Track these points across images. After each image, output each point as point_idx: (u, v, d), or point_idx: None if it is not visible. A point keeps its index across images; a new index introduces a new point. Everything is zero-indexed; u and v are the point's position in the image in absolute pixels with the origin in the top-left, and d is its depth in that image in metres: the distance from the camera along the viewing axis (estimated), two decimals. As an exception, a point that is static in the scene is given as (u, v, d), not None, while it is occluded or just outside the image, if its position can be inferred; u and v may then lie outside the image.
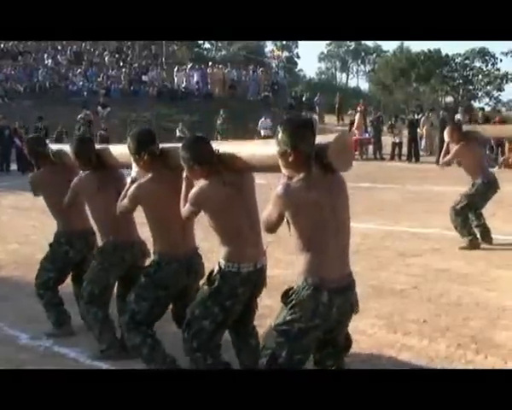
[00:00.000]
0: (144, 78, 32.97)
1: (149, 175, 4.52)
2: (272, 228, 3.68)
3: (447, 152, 9.03)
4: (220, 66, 36.03)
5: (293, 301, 3.53)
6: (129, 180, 4.73)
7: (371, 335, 5.54)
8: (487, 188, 8.66)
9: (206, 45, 65.00)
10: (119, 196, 4.76)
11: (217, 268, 4.15)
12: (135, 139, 4.56)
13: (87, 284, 5.24)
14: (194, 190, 4.07)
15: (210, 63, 36.62)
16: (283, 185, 3.50)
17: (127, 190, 4.65)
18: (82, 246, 5.78)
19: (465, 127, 9.71)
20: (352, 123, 26.09)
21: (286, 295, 3.60)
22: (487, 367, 4.81)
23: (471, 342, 5.34)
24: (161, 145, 4.62)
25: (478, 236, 8.67)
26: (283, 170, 3.59)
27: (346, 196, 3.65)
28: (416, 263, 7.90)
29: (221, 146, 4.19)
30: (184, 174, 4.22)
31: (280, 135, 3.53)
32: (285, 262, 7.14)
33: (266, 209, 3.63)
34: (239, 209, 4.07)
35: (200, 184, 4.08)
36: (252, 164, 4.00)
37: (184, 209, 4.18)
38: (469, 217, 8.68)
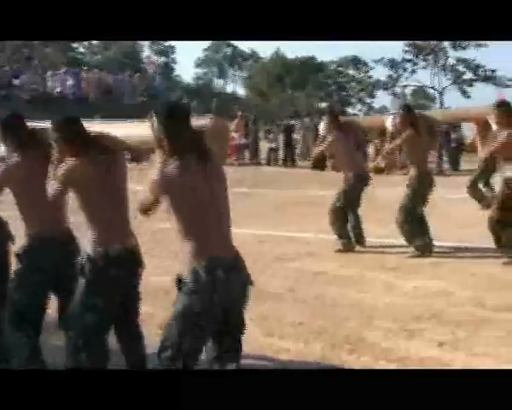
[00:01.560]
0: (15, 82, 31.84)
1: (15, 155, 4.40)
2: (147, 209, 3.65)
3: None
4: (96, 70, 35.37)
5: (188, 285, 3.50)
6: None
7: (247, 339, 5.53)
8: (358, 181, 8.84)
9: (81, 49, 63.71)
10: None
11: (85, 255, 4.03)
12: None
13: None
14: (61, 168, 3.97)
15: (85, 67, 35.90)
16: (159, 170, 3.49)
17: None
18: None
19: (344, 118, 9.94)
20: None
21: (179, 282, 3.55)
22: (360, 367, 4.92)
23: (345, 343, 5.45)
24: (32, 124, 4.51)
25: (352, 239, 8.89)
26: (159, 154, 3.57)
27: (224, 181, 3.67)
28: (293, 267, 8.01)
29: (95, 126, 4.12)
30: (54, 152, 4.11)
31: (155, 120, 3.53)
32: (162, 268, 7.07)
33: (142, 191, 3.59)
34: (106, 190, 3.99)
35: (67, 162, 3.98)
36: (126, 145, 3.95)
37: (50, 187, 4.05)
38: (348, 219, 8.85)
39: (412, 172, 8.50)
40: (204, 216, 3.51)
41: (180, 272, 3.57)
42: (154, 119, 3.53)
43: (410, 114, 8.60)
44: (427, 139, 8.86)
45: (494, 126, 7.95)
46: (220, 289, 3.50)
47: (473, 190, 11.87)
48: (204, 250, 3.50)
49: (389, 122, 8.98)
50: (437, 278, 7.35)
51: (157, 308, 5.88)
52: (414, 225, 8.41)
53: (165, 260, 7.73)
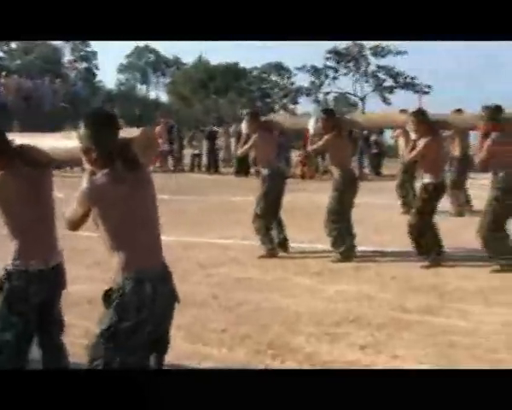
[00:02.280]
0: None
1: None
2: (76, 225, 3.59)
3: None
4: (15, 75, 34.55)
5: (117, 300, 3.43)
6: None
7: (171, 346, 5.49)
8: (276, 179, 8.87)
9: (0, 53, 62.16)
10: None
11: (3, 271, 3.91)
12: None
13: None
14: None
15: (4, 72, 35.03)
16: (88, 181, 3.43)
17: None
18: None
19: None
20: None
21: (107, 296, 3.48)
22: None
23: (269, 348, 5.47)
24: None
25: (275, 245, 8.93)
26: (86, 165, 3.52)
27: (152, 189, 3.64)
28: (216, 273, 8.00)
29: (20, 138, 4.01)
30: None
31: (82, 130, 3.47)
32: (83, 277, 6.96)
33: (70, 206, 3.52)
34: (29, 203, 3.86)
35: None
36: (52, 157, 3.87)
37: None
38: (272, 225, 8.89)
39: (336, 174, 8.60)
40: (133, 227, 3.47)
41: (108, 286, 3.51)
42: (82, 129, 3.47)
43: (333, 118, 8.73)
44: (350, 142, 9.01)
45: (412, 134, 8.18)
46: (147, 303, 3.46)
47: (401, 189, 12.10)
48: (132, 262, 3.45)
49: (311, 124, 9.07)
50: (359, 282, 7.46)
51: (79, 319, 5.80)
52: (341, 229, 8.55)
53: (89, 268, 7.63)
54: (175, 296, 3.72)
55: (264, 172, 8.86)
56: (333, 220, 8.52)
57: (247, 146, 9.21)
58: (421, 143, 8.00)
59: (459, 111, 12.07)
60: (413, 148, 8.17)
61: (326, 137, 8.61)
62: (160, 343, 3.73)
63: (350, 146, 8.89)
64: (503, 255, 7.69)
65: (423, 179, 8.11)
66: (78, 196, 3.46)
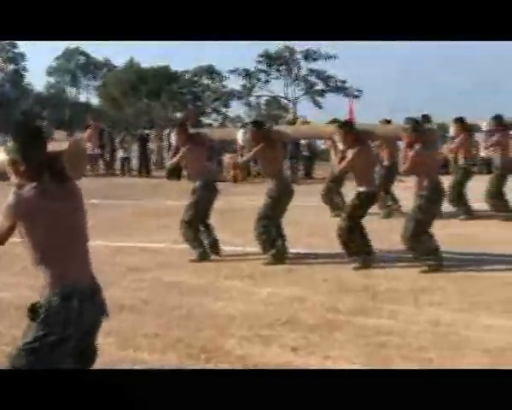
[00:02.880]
0: None
1: None
2: (2, 238, 3.49)
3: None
4: None
5: (42, 315, 3.36)
6: None
7: (101, 352, 5.40)
8: (207, 191, 8.86)
9: None
10: None
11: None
12: None
13: None
14: None
15: None
16: (15, 194, 3.35)
17: None
18: None
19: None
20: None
21: (33, 310, 3.40)
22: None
23: (201, 352, 5.43)
24: None
25: (207, 248, 8.89)
26: (14, 178, 3.44)
27: (81, 202, 3.57)
28: (147, 278, 7.91)
29: None
30: None
31: (10, 143, 3.41)
32: (8, 285, 6.80)
33: None
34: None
35: None
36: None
37: None
38: (200, 229, 8.86)
39: (271, 183, 8.66)
40: (60, 241, 3.41)
41: (34, 299, 3.44)
42: (10, 142, 3.40)
43: (261, 130, 8.77)
44: (281, 151, 9.05)
45: (340, 145, 8.32)
46: (74, 319, 3.40)
47: (326, 197, 12.25)
48: (59, 277, 3.40)
49: (240, 136, 9.07)
50: (291, 285, 7.48)
51: (7, 327, 5.66)
52: (271, 233, 8.56)
53: (17, 275, 7.45)
54: (103, 311, 3.66)
55: (195, 184, 8.83)
56: (263, 225, 8.55)
57: (175, 159, 9.16)
58: (350, 154, 8.19)
59: (388, 122, 12.33)
60: (342, 158, 8.33)
61: (255, 149, 8.67)
62: (85, 355, 3.68)
63: (281, 155, 8.91)
64: (428, 256, 7.87)
65: (358, 188, 8.23)
66: (4, 209, 3.37)
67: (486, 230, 10.71)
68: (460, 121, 12.01)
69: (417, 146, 7.91)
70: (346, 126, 8.41)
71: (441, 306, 6.54)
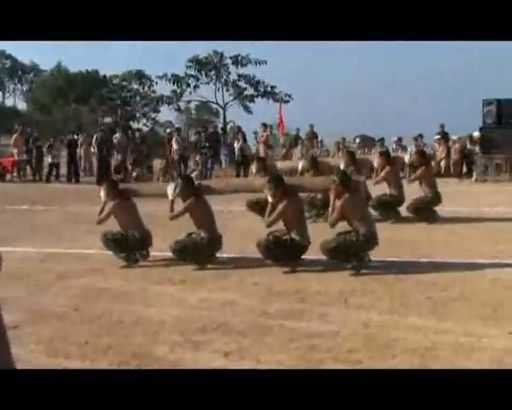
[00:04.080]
0: None
1: None
2: None
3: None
4: None
5: None
6: None
7: (30, 360, 5.31)
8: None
9: None
10: None
11: None
12: None
13: None
14: None
15: None
16: None
17: None
18: None
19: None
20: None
21: None
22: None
23: (132, 359, 5.38)
24: None
25: (136, 253, 8.85)
26: None
27: None
28: (77, 284, 7.81)
29: None
30: None
31: None
32: None
33: None
34: None
35: None
36: None
37: None
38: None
39: (204, 237, 8.70)
40: None
41: None
42: None
43: (191, 186, 9.00)
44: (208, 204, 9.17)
45: (269, 198, 8.49)
46: None
47: (251, 204, 12.28)
48: None
49: (170, 191, 9.13)
50: (222, 289, 7.49)
51: None
52: None
53: None
54: None
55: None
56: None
57: (103, 215, 9.08)
58: (280, 207, 8.40)
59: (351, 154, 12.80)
60: (273, 209, 8.51)
61: (185, 203, 8.79)
62: None
63: (210, 208, 8.97)
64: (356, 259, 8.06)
65: (291, 234, 8.38)
66: None
67: (414, 232, 10.93)
68: (385, 154, 12.50)
69: (346, 196, 8.16)
70: (275, 181, 8.61)
71: (371, 308, 6.64)
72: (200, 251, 8.54)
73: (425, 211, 12.05)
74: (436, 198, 12.19)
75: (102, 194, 9.13)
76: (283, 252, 8.28)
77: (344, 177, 8.45)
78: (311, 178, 10.50)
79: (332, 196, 8.35)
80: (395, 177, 12.82)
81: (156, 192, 10.43)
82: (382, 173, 12.65)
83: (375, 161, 13.10)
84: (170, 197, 9.03)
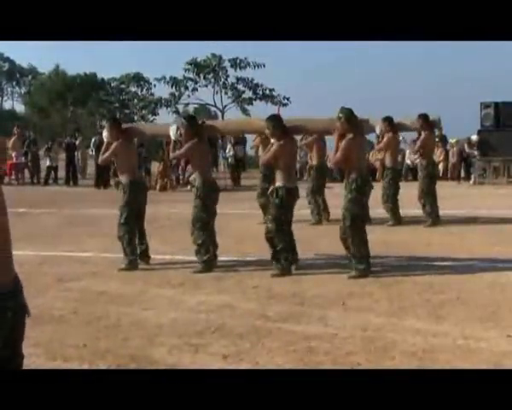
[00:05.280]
0: None
1: None
2: None
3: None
4: None
5: None
6: None
7: (30, 364, 5.31)
8: (136, 188, 8.86)
9: None
10: None
11: None
12: None
13: None
14: None
15: None
16: None
17: None
18: None
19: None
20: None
21: None
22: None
23: (131, 362, 5.37)
24: None
25: (137, 256, 8.84)
26: None
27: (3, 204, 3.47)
28: (75, 287, 7.80)
29: None
30: None
31: None
32: None
33: None
34: None
35: None
36: None
37: None
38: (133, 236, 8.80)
39: (198, 181, 8.63)
40: None
41: None
42: None
43: (194, 125, 8.73)
44: (208, 147, 9.09)
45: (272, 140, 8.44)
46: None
47: (261, 198, 12.22)
48: None
49: (172, 132, 9.00)
50: (220, 292, 7.49)
51: None
52: (206, 237, 8.56)
53: None
54: (25, 310, 3.54)
55: (125, 180, 8.76)
56: (198, 228, 8.52)
57: (107, 154, 9.01)
58: (275, 146, 8.28)
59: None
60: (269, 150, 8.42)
61: (188, 144, 8.62)
62: (12, 359, 3.55)
63: (210, 153, 8.91)
64: (359, 260, 7.99)
65: (276, 183, 8.26)
66: None
67: (412, 234, 10.95)
68: (388, 120, 12.26)
69: (350, 136, 8.00)
70: (275, 120, 8.46)
71: (369, 310, 6.64)
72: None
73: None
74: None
75: (105, 134, 9.07)
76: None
77: (351, 115, 8.16)
78: (315, 120, 10.30)
79: (336, 135, 8.20)
80: (396, 146, 12.76)
81: (159, 133, 10.38)
82: (385, 139, 12.50)
83: (377, 128, 12.85)
84: (172, 138, 8.99)
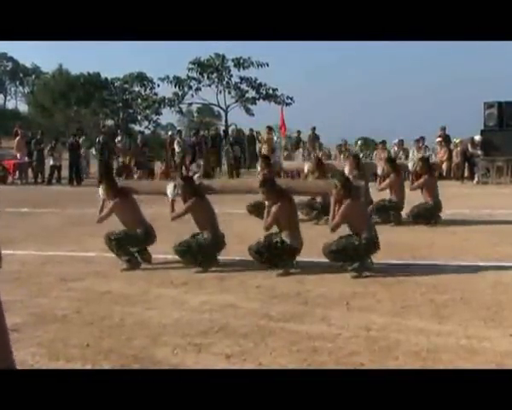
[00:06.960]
0: None
1: None
2: None
3: None
4: None
5: None
6: None
7: (32, 365, 5.32)
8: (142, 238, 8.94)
9: None
10: None
11: None
12: None
13: None
14: None
15: None
16: None
17: None
18: None
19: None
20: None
21: None
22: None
23: (134, 362, 5.38)
24: None
25: (137, 256, 8.86)
26: None
27: None
28: (78, 287, 7.81)
29: None
30: None
31: None
32: None
33: None
34: None
35: None
36: None
37: None
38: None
39: (207, 236, 8.67)
40: None
41: None
42: None
43: (190, 185, 8.99)
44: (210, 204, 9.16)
45: (266, 203, 8.49)
46: None
47: (251, 207, 12.32)
48: None
49: (170, 191, 9.04)
50: (223, 292, 7.49)
51: None
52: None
53: None
54: None
55: (140, 230, 8.94)
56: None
57: (104, 213, 9.05)
58: (273, 209, 8.38)
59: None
60: (268, 213, 8.50)
61: (188, 203, 8.72)
62: None
63: (212, 208, 8.95)
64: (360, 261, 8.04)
65: (282, 236, 8.39)
66: None
67: (415, 235, 10.95)
68: (391, 161, 12.43)
69: (348, 201, 8.15)
70: (268, 185, 8.59)
71: (372, 310, 6.64)
72: (204, 252, 8.52)
73: (425, 218, 12.02)
74: (436, 207, 12.13)
75: (101, 192, 9.11)
76: (275, 255, 8.29)
77: (346, 181, 8.40)
78: (315, 181, 10.46)
79: (333, 200, 8.34)
80: (400, 186, 12.76)
81: (155, 190, 10.38)
82: (387, 181, 12.63)
83: (379, 168, 13.07)
84: (170, 197, 9.01)
